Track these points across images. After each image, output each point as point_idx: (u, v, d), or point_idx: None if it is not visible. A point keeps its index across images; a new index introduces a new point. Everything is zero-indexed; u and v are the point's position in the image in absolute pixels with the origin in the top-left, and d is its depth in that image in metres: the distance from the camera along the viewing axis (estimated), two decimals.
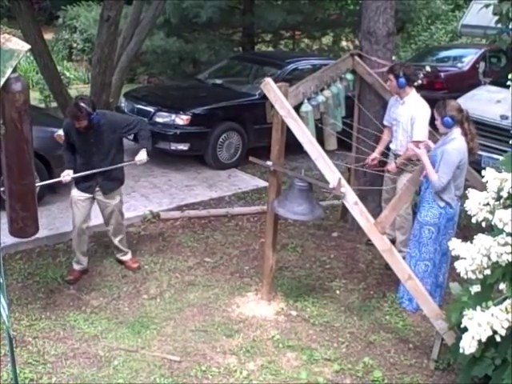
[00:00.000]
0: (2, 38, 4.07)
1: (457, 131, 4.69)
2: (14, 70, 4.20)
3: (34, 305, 5.08)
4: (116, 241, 5.61)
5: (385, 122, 5.83)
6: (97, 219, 5.76)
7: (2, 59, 4.01)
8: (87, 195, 5.32)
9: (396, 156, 5.66)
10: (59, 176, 5.35)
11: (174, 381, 4.24)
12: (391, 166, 5.60)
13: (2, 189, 6.46)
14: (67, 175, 5.25)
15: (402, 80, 5.42)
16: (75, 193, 5.33)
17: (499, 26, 7.07)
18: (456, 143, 4.66)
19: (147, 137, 5.49)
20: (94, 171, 5.22)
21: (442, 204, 4.77)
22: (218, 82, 9.62)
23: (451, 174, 4.63)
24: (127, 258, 5.71)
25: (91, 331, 4.75)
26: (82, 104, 5.01)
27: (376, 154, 5.84)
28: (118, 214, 5.53)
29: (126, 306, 5.14)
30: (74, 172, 5.27)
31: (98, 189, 5.33)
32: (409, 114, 5.45)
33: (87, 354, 4.50)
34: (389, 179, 5.81)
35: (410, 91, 5.51)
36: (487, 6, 6.78)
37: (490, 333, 3.22)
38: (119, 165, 5.31)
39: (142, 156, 5.42)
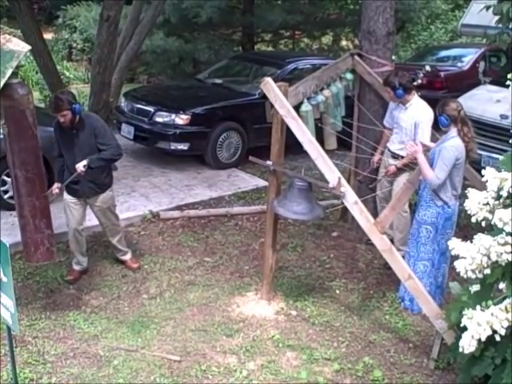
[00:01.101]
0: (2, 39, 4.08)
1: (455, 130, 4.70)
2: (16, 75, 4.18)
3: (34, 304, 5.08)
4: (114, 241, 5.62)
5: (385, 123, 5.83)
6: (96, 219, 5.75)
7: (2, 60, 4.01)
8: (78, 198, 5.31)
9: (393, 156, 5.67)
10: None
11: (174, 380, 4.24)
12: (391, 168, 5.59)
13: (2, 188, 6.51)
14: (56, 188, 5.19)
15: (400, 91, 5.42)
16: (66, 196, 5.33)
17: (500, 25, 7.06)
18: (455, 141, 4.66)
19: (102, 156, 5.09)
20: (67, 182, 5.13)
21: (440, 203, 4.78)
22: (218, 81, 9.61)
23: (448, 170, 4.63)
24: (127, 257, 5.71)
25: (91, 331, 4.76)
26: (62, 95, 5.01)
27: (379, 156, 5.85)
28: (111, 215, 5.50)
29: (126, 306, 5.14)
30: (63, 175, 5.26)
31: (85, 194, 5.29)
32: (412, 120, 5.46)
33: (87, 353, 4.50)
34: (384, 179, 5.82)
35: (412, 97, 5.50)
36: (488, 7, 6.76)
37: (490, 332, 3.22)
38: (70, 178, 5.08)
39: (80, 164, 5.01)
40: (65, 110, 4.96)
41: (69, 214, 5.35)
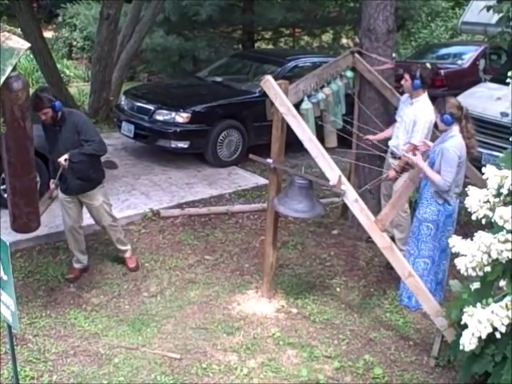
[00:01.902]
0: (2, 37, 4.08)
1: (456, 128, 4.69)
2: (14, 69, 4.22)
3: (35, 303, 5.08)
4: (113, 240, 5.59)
5: (396, 118, 5.80)
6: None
7: (2, 58, 4.01)
8: (71, 196, 5.30)
9: (392, 154, 5.66)
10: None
11: (175, 378, 4.25)
12: (391, 173, 5.56)
13: (2, 187, 6.52)
14: (52, 184, 5.26)
15: (418, 82, 5.38)
16: (61, 195, 5.33)
17: (500, 24, 7.05)
18: (455, 140, 4.66)
19: (83, 151, 5.04)
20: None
21: (441, 201, 4.78)
22: (218, 79, 9.61)
23: (455, 171, 4.63)
24: (126, 255, 5.67)
25: (92, 329, 4.76)
26: (41, 93, 4.98)
27: (372, 137, 5.82)
28: (106, 215, 5.43)
29: (127, 304, 5.15)
30: (51, 171, 5.32)
31: (74, 192, 5.27)
32: (413, 116, 5.45)
33: (88, 351, 4.50)
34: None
35: (422, 94, 5.46)
36: (488, 8, 6.75)
37: (490, 330, 3.22)
38: (58, 173, 5.10)
39: (62, 157, 5.00)
40: (45, 108, 4.95)
41: (64, 212, 5.35)
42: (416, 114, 5.43)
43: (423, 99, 5.49)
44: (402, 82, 5.62)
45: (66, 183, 5.23)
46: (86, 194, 5.30)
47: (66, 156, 5.01)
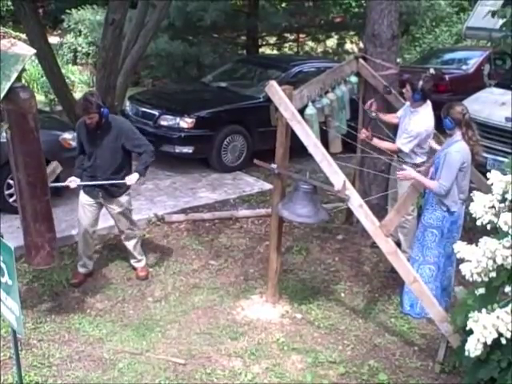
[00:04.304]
0: (7, 43, 4.10)
1: (460, 133, 4.68)
2: (19, 78, 4.17)
3: (39, 308, 5.09)
4: (129, 246, 5.58)
5: (398, 113, 5.78)
6: (102, 222, 5.76)
7: (7, 63, 4.03)
8: (94, 200, 5.31)
9: (399, 157, 5.66)
10: (64, 179, 5.34)
11: None
12: (364, 132, 5.58)
13: (6, 192, 6.52)
14: (73, 181, 5.24)
15: (418, 96, 5.34)
16: (82, 197, 5.33)
17: (504, 29, 7.06)
18: (459, 145, 4.65)
19: (147, 164, 5.30)
20: (96, 183, 5.22)
21: (445, 208, 4.76)
22: (223, 85, 9.63)
23: (454, 176, 4.61)
24: (139, 265, 5.66)
25: (96, 334, 4.76)
26: (92, 98, 5.03)
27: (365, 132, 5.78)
28: (126, 220, 5.47)
29: (131, 309, 5.15)
30: (82, 175, 5.29)
31: (101, 194, 5.31)
32: (408, 125, 5.44)
33: (92, 356, 4.50)
34: (394, 181, 5.82)
35: (421, 105, 5.42)
36: (492, 13, 6.75)
37: (496, 335, 3.21)
38: (111, 181, 5.19)
39: (133, 178, 5.23)
40: (93, 112, 5.01)
41: (82, 215, 5.34)
42: (410, 123, 5.43)
43: (422, 110, 5.44)
44: (404, 91, 5.61)
45: (94, 187, 5.25)
46: (111, 199, 5.32)
47: (137, 176, 5.23)
